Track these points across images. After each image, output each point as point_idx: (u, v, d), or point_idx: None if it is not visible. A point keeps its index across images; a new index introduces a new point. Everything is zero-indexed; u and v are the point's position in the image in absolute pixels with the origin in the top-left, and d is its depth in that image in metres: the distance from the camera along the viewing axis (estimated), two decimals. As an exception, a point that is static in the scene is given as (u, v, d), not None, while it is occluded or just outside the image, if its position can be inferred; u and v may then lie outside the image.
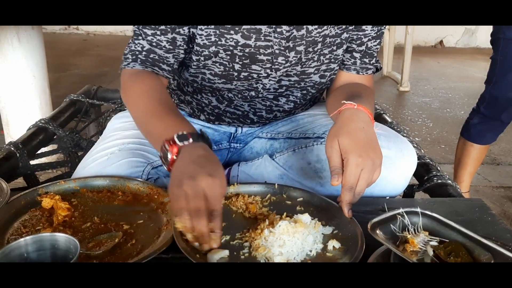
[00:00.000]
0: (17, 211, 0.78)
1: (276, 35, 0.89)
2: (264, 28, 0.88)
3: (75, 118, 1.49)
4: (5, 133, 2.25)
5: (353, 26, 0.93)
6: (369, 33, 0.96)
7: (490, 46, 1.83)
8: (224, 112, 1.03)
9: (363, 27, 0.95)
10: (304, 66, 0.95)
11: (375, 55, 1.00)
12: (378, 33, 0.97)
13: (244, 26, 0.87)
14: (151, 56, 0.89)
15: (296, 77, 0.96)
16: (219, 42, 0.89)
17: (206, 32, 0.88)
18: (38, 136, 1.24)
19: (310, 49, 0.93)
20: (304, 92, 1.01)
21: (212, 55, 0.90)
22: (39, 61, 2.13)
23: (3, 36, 2.01)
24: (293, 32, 0.90)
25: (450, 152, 2.64)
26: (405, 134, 1.23)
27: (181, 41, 0.90)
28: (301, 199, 0.83)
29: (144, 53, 0.89)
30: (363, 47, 0.98)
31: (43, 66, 2.18)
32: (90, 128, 1.55)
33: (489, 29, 1.81)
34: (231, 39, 0.89)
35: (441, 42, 5.66)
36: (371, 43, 0.98)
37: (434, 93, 3.81)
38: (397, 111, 3.40)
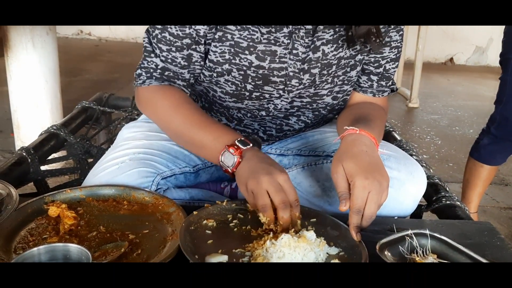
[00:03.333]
0: (24, 219, 0.78)
1: (291, 56, 0.89)
2: (279, 50, 0.89)
3: (86, 124, 1.51)
4: (15, 136, 2.27)
5: (368, 48, 0.93)
6: (387, 55, 0.96)
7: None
8: (235, 130, 1.03)
9: (382, 49, 0.95)
10: (317, 88, 0.95)
11: (392, 77, 1.00)
12: (397, 55, 0.97)
13: (259, 48, 0.88)
14: (166, 73, 0.90)
15: (308, 99, 0.97)
16: (233, 61, 0.89)
17: (220, 49, 0.89)
18: (49, 142, 1.25)
19: (325, 72, 0.93)
20: (316, 113, 1.01)
21: (225, 72, 0.91)
22: (52, 66, 2.15)
23: (18, 40, 2.04)
24: (309, 55, 0.90)
25: (458, 171, 2.63)
26: (414, 153, 1.23)
27: (197, 58, 0.90)
28: (314, 220, 0.82)
29: (158, 70, 0.90)
30: (381, 69, 0.97)
31: (56, 71, 2.21)
32: (100, 136, 1.56)
33: (499, 48, 1.81)
34: (245, 59, 0.89)
35: (451, 59, 5.65)
36: (389, 65, 0.98)
37: (443, 111, 3.80)
38: (405, 127, 3.39)
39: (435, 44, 5.33)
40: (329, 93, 0.97)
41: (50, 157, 1.25)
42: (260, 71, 0.90)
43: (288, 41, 0.89)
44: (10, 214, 0.74)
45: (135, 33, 5.64)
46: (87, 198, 0.85)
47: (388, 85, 1.00)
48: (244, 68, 0.90)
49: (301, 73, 0.91)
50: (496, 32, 5.29)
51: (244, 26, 0.87)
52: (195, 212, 0.78)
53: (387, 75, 0.99)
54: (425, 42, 3.69)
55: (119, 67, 4.39)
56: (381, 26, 0.91)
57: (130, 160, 0.89)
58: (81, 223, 0.79)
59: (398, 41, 0.95)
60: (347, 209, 0.74)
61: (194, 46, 0.89)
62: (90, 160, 1.31)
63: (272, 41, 0.88)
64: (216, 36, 0.88)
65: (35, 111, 2.17)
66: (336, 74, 0.95)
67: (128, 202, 0.84)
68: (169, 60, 0.89)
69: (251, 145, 0.82)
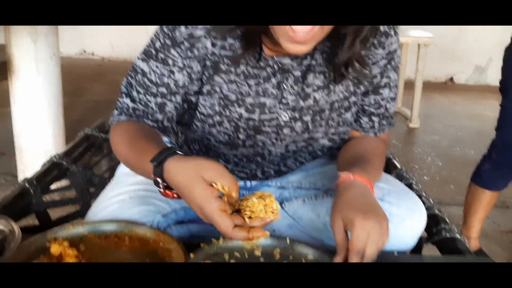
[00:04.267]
0: (27, 256, 0.79)
1: (281, 106, 0.90)
2: (268, 101, 0.90)
3: (89, 152, 1.52)
4: (18, 159, 2.29)
5: (361, 89, 0.94)
6: (387, 96, 0.97)
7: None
8: (232, 172, 1.03)
9: (380, 90, 0.96)
10: (311, 132, 0.96)
11: (392, 114, 1.02)
12: (396, 93, 0.98)
13: (247, 100, 0.89)
14: (136, 112, 0.90)
15: (303, 143, 0.97)
16: (223, 113, 0.91)
17: (210, 102, 0.90)
18: (52, 172, 1.26)
19: (318, 118, 0.94)
20: (314, 154, 1.02)
21: (216, 124, 0.92)
22: (55, 91, 2.18)
23: (23, 66, 2.07)
24: (299, 103, 0.91)
25: (459, 193, 2.62)
26: (414, 183, 1.23)
27: (170, 108, 0.91)
28: (311, 257, 0.82)
29: (130, 110, 0.91)
30: (382, 110, 0.99)
31: (59, 95, 2.23)
32: (102, 163, 1.57)
33: (499, 67, 1.81)
34: (235, 112, 0.90)
35: (451, 79, 5.69)
36: (390, 104, 0.99)
37: (443, 131, 3.81)
38: (406, 148, 3.40)
39: (435, 63, 5.37)
40: (324, 136, 0.98)
41: (52, 187, 1.26)
42: (251, 123, 0.91)
43: (277, 90, 0.90)
44: (14, 252, 0.75)
45: (137, 53, 5.69)
46: (89, 234, 0.86)
47: (389, 122, 1.02)
48: (235, 119, 0.91)
49: (293, 122, 0.92)
50: (495, 52, 5.33)
51: (232, 79, 0.88)
52: (192, 255, 0.78)
53: (387, 114, 1.00)
54: (424, 63, 3.72)
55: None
56: (378, 70, 0.93)
57: (131, 198, 0.90)
58: (83, 261, 0.79)
59: (396, 79, 0.96)
60: (342, 260, 0.74)
61: (169, 97, 0.89)
62: (92, 190, 1.32)
63: (261, 93, 0.89)
64: (205, 90, 0.90)
65: (37, 135, 2.18)
66: (330, 117, 0.95)
67: (129, 238, 0.85)
68: (142, 103, 0.90)
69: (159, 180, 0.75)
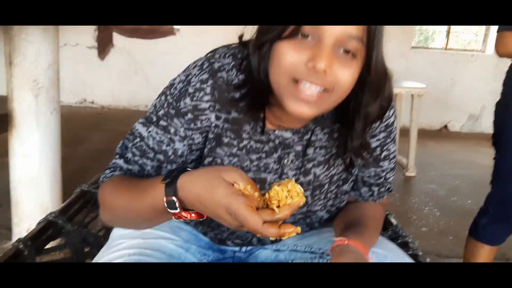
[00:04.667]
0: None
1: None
2: (269, 177, 0.90)
3: (85, 208, 1.51)
4: (13, 212, 2.27)
5: (359, 161, 0.94)
6: (387, 167, 0.98)
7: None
8: (227, 239, 1.03)
9: (380, 163, 0.97)
10: (310, 206, 0.97)
11: (391, 182, 1.03)
12: (394, 163, 1.00)
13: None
14: (132, 173, 0.89)
15: (301, 215, 0.98)
16: None
17: None
18: (47, 231, 1.25)
19: (317, 192, 0.94)
20: (311, 225, 1.03)
21: None
22: (54, 145, 2.20)
23: (23, 120, 2.10)
24: (299, 178, 0.91)
25: (457, 244, 2.59)
26: (410, 241, 1.23)
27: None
28: None
29: (124, 170, 0.89)
30: (382, 180, 1.00)
31: (58, 148, 2.25)
32: (98, 220, 1.56)
33: (492, 116, 1.82)
34: None
35: (445, 126, 5.77)
36: (389, 174, 1.00)
37: (440, 180, 3.82)
38: (403, 198, 3.40)
39: (429, 111, 5.46)
40: (322, 208, 0.98)
41: (47, 246, 1.25)
42: None
43: (278, 166, 0.90)
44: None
45: (138, 100, 5.80)
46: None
47: (388, 189, 1.03)
48: None
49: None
50: (488, 100, 5.44)
51: (234, 152, 0.88)
52: None
53: (386, 184, 1.01)
54: (419, 112, 3.79)
55: (120, 136, 4.36)
56: (378, 143, 0.94)
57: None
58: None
59: (395, 151, 0.98)
60: None
61: (166, 164, 0.88)
62: (87, 249, 1.31)
63: (262, 169, 0.90)
64: (206, 162, 0.89)
65: (34, 188, 2.18)
66: (329, 191, 0.96)
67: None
68: (138, 165, 0.88)
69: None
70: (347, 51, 0.75)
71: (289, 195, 0.72)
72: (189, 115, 0.85)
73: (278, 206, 0.70)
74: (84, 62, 5.63)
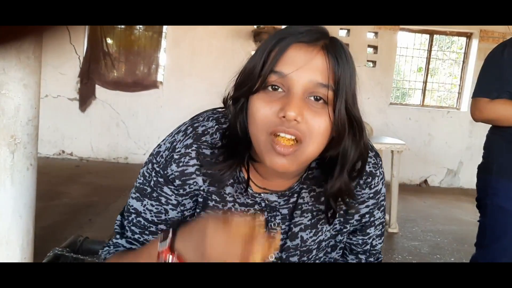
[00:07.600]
0: None
1: None
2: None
3: (57, 274, 1.43)
4: (-20, 274, 2.14)
5: (347, 227, 0.94)
6: (373, 234, 0.96)
7: (474, 187, 1.85)
8: None
9: (368, 230, 0.95)
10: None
11: (380, 250, 1.00)
12: (381, 230, 0.98)
13: None
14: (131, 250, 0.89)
15: None
16: None
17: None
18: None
19: (305, 258, 0.92)
20: None
21: None
22: (28, 202, 2.12)
23: (-3, 177, 2.02)
24: (286, 242, 0.89)
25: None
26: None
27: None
28: None
29: (126, 248, 0.89)
30: (368, 246, 0.97)
31: (32, 206, 2.16)
32: None
33: (470, 171, 1.83)
34: None
35: (425, 181, 5.84)
36: (376, 241, 0.98)
37: (422, 236, 3.81)
38: (387, 255, 3.35)
39: (409, 166, 5.55)
40: None
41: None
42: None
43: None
44: None
45: (117, 153, 5.74)
46: None
47: (376, 258, 1.00)
48: None
49: (279, 262, 0.90)
50: (465, 156, 5.57)
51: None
52: None
53: (373, 251, 0.98)
54: (399, 168, 3.83)
55: (99, 189, 4.36)
56: (367, 210, 0.93)
57: None
58: None
59: (382, 217, 0.96)
60: None
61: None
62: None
63: None
64: None
65: (5, 247, 2.07)
66: (316, 257, 0.94)
67: None
68: (140, 242, 0.88)
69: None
70: (317, 99, 0.75)
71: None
72: (177, 181, 0.84)
73: None
74: (65, 114, 5.60)
